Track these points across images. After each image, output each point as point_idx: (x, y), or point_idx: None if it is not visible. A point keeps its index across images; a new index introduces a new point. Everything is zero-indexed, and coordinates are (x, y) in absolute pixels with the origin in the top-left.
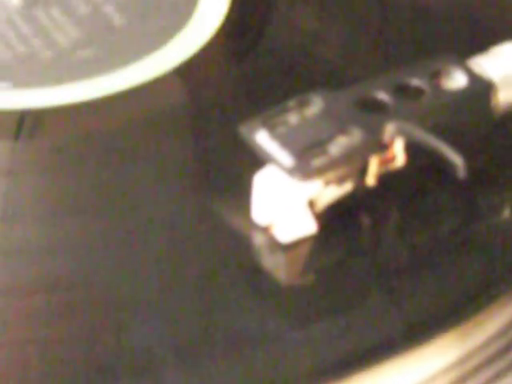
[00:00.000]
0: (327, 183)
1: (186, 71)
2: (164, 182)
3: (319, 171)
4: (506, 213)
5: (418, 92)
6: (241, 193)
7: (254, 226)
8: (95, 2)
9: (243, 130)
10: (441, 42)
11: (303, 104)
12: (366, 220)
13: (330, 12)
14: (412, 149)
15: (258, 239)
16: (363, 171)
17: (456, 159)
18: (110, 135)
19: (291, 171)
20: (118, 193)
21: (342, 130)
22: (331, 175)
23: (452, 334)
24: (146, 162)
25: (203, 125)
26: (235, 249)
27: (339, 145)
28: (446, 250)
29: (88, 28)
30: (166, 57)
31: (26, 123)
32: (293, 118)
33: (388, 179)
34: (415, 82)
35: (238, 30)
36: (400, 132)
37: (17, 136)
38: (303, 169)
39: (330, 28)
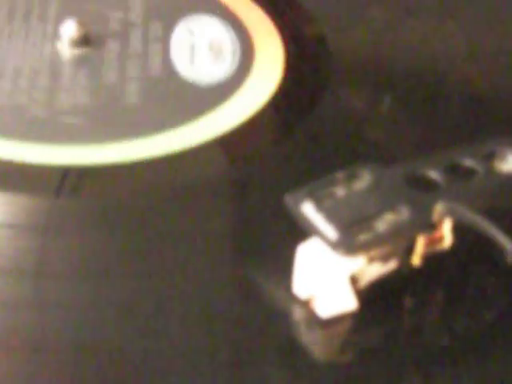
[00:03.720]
0: (371, 260)
1: (232, 140)
2: (205, 250)
3: (364, 247)
4: None
5: (470, 173)
6: (284, 265)
7: (294, 298)
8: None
9: (289, 200)
10: (495, 124)
11: (351, 177)
12: (409, 301)
13: (382, 92)
14: (461, 230)
15: (298, 313)
16: (409, 250)
17: (506, 244)
18: (150, 198)
19: (335, 245)
20: (155, 257)
21: (391, 206)
22: (376, 252)
23: None
24: (187, 229)
25: (248, 195)
26: (275, 321)
27: (386, 222)
28: (490, 339)
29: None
30: (212, 124)
31: (69, 180)
32: (340, 191)
33: (435, 260)
34: (468, 162)
35: (286, 104)
36: (450, 213)
37: (58, 192)
38: (347, 244)
39: (381, 109)
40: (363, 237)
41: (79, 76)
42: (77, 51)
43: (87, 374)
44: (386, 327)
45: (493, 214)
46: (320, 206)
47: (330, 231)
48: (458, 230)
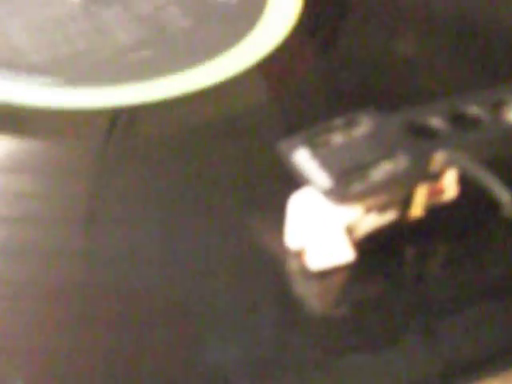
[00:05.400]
0: (368, 210)
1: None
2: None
3: (358, 196)
4: None
5: (475, 122)
6: (279, 213)
7: (287, 249)
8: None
9: (283, 146)
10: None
11: (350, 124)
12: (408, 252)
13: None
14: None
15: (292, 264)
16: (409, 201)
17: (504, 195)
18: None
19: (327, 193)
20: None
21: (388, 155)
22: (371, 202)
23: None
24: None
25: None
26: (269, 272)
27: (383, 170)
28: (492, 292)
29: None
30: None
31: (120, 121)
32: (338, 138)
33: (438, 211)
34: (473, 110)
35: (307, 36)
36: (450, 162)
37: (109, 134)
38: (341, 192)
39: (400, 50)
40: (358, 185)
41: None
42: None
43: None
44: (385, 279)
45: (498, 166)
46: (315, 152)
47: (324, 179)
48: (464, 180)
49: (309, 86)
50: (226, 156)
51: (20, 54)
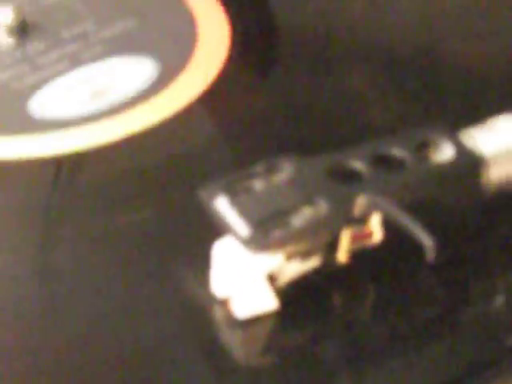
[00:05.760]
0: (290, 257)
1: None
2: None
3: (277, 244)
4: (493, 298)
5: (399, 164)
6: (203, 261)
7: (213, 297)
8: None
9: (203, 194)
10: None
11: (271, 169)
12: (335, 298)
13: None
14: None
15: (217, 313)
16: (334, 246)
17: (426, 240)
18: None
19: (246, 242)
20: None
21: (309, 200)
22: (292, 248)
23: None
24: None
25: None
26: (195, 322)
27: (303, 216)
28: (421, 334)
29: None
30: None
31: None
32: (258, 185)
33: (363, 255)
34: (396, 152)
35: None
36: (372, 206)
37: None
38: (259, 240)
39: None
40: (277, 233)
41: None
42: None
43: None
44: (312, 326)
45: (422, 208)
46: (234, 200)
47: (242, 227)
48: (389, 224)
49: (235, 129)
50: (154, 202)
51: None
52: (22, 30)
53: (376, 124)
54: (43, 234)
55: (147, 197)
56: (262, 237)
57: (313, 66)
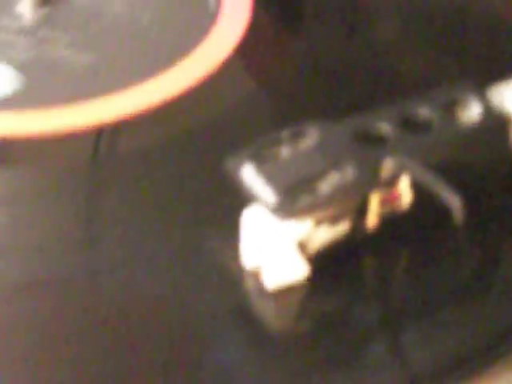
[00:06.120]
0: (318, 223)
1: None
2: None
3: (305, 210)
4: None
5: (426, 125)
6: (233, 230)
7: (244, 268)
8: None
9: (229, 163)
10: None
11: (297, 136)
12: (366, 262)
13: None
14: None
15: (248, 283)
16: (363, 211)
17: (453, 201)
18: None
19: (273, 209)
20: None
21: (336, 165)
22: (321, 214)
23: None
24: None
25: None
26: (227, 292)
27: (330, 182)
28: (454, 296)
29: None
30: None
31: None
32: (284, 151)
33: (393, 219)
34: (423, 112)
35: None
36: (399, 168)
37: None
38: (287, 207)
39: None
40: (305, 199)
41: None
42: None
43: None
44: (344, 293)
45: (451, 169)
46: (261, 167)
47: (270, 194)
48: (418, 187)
49: (259, 96)
50: (183, 171)
51: None
52: None
53: (405, 81)
54: (85, 203)
55: (178, 165)
56: (290, 203)
57: (340, 22)
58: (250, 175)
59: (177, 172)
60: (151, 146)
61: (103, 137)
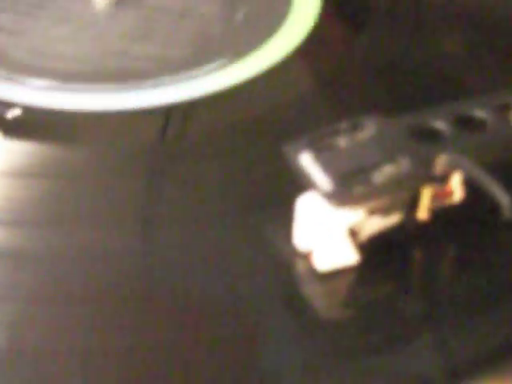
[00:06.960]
0: (371, 213)
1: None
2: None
3: (359, 199)
4: None
5: (481, 125)
6: (287, 215)
7: (296, 251)
8: None
9: (288, 150)
10: None
11: (355, 128)
12: (414, 254)
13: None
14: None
15: (299, 266)
16: (415, 204)
17: (503, 198)
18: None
19: (329, 196)
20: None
21: (391, 158)
22: (373, 205)
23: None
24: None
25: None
26: (277, 274)
27: (384, 174)
28: (500, 293)
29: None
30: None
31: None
32: (342, 142)
33: (444, 214)
34: (478, 113)
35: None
36: (452, 165)
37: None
38: (342, 195)
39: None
40: (359, 188)
41: None
42: None
43: None
44: (392, 281)
45: (501, 168)
46: (319, 156)
47: (325, 182)
48: (470, 183)
49: (324, 87)
50: (242, 155)
51: (67, 62)
52: None
53: (465, 85)
54: (147, 183)
55: (241, 150)
56: (345, 192)
57: (405, 22)
58: (307, 162)
59: (239, 156)
60: (217, 129)
61: (172, 118)
